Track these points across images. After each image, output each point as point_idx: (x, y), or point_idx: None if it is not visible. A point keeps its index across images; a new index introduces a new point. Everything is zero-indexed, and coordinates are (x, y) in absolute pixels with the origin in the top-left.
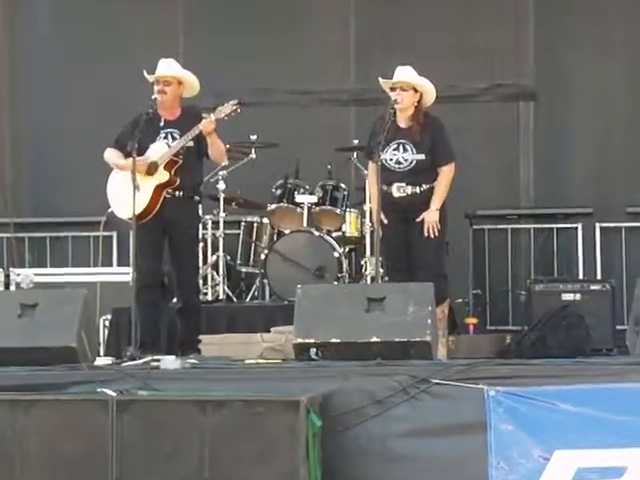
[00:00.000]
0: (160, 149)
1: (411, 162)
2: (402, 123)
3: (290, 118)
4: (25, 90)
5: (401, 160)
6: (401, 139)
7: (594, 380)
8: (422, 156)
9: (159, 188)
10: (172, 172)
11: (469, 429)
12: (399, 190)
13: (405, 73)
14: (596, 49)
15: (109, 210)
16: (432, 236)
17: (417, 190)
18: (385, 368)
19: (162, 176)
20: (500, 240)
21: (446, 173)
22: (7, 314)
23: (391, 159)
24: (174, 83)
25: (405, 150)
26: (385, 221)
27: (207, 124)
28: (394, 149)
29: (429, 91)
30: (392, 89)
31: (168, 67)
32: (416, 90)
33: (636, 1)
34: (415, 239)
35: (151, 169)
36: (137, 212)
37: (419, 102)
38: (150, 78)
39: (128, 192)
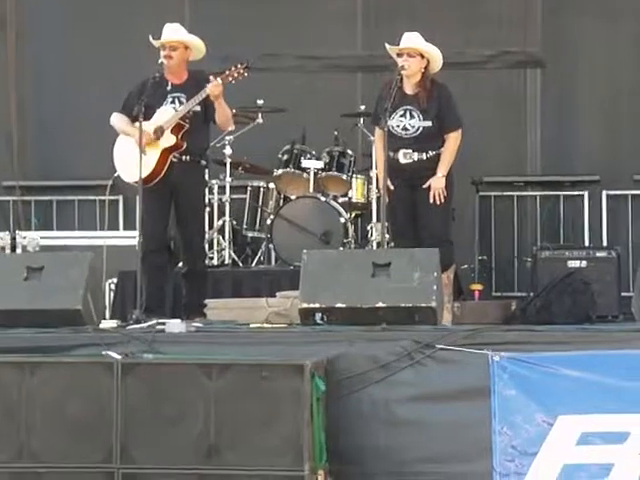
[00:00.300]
0: (167, 113)
1: (418, 129)
2: (409, 90)
3: (297, 84)
4: (32, 53)
5: (408, 126)
6: (408, 105)
7: (599, 346)
8: (429, 123)
9: (166, 152)
10: (179, 136)
11: (473, 394)
12: (405, 156)
13: (412, 39)
14: (604, 17)
15: (115, 174)
16: (438, 202)
17: (424, 156)
18: (390, 333)
19: (169, 140)
20: (506, 207)
21: (453, 140)
22: (13, 277)
23: (398, 125)
24: (180, 47)
25: (412, 117)
26: (391, 187)
27: (214, 87)
28: (401, 115)
29: (436, 57)
30: (399, 55)
31: (174, 31)
32: (423, 56)
33: None
34: (421, 205)
35: (158, 133)
36: (143, 176)
37: (426, 68)
38: (156, 43)
39: (135, 156)
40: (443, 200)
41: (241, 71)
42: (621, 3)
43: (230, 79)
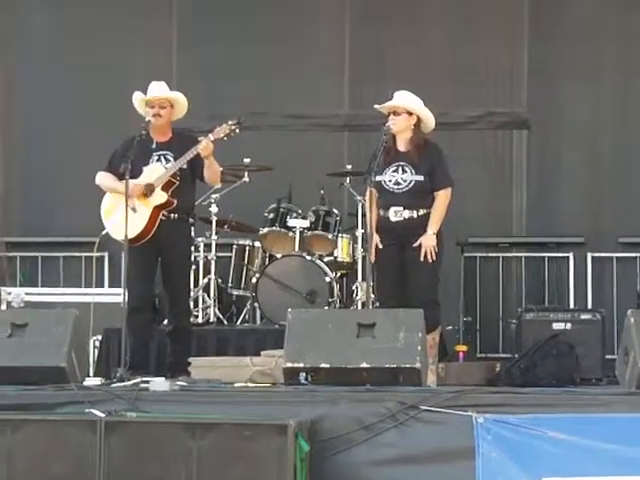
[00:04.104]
0: (156, 171)
1: (410, 182)
2: (401, 147)
3: (284, 142)
4: (18, 107)
5: (400, 181)
6: (400, 161)
7: (583, 409)
8: (421, 177)
9: (156, 209)
10: (169, 193)
11: (457, 456)
12: (396, 214)
13: (399, 98)
14: (589, 76)
15: (104, 232)
16: (430, 260)
17: (414, 214)
18: (374, 394)
19: (160, 197)
20: (492, 268)
21: (443, 198)
22: None
23: (390, 180)
24: (168, 106)
25: (404, 171)
26: (380, 246)
27: (206, 145)
28: (393, 171)
29: (425, 115)
30: (388, 114)
31: (162, 89)
32: (410, 113)
33: (628, 26)
34: (410, 265)
35: (148, 190)
36: (135, 234)
37: (417, 126)
38: (139, 101)
39: (124, 214)
40: (434, 258)
41: (233, 127)
42: (605, 62)
43: (222, 135)
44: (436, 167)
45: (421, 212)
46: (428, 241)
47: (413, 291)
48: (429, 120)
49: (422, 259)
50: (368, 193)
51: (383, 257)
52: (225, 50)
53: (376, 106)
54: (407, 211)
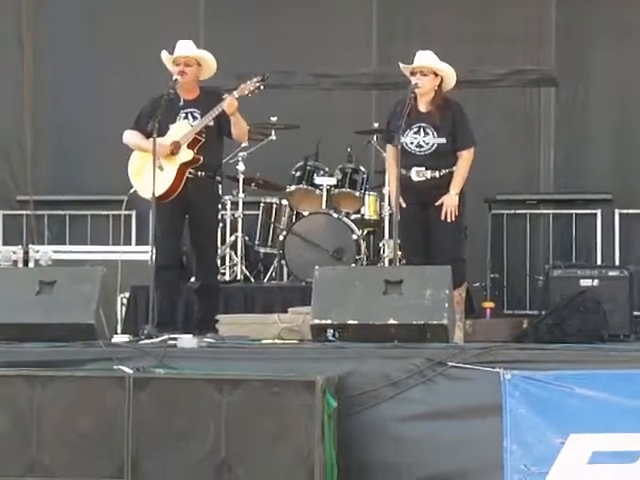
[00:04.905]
0: (182, 128)
1: (432, 145)
2: (422, 107)
3: (311, 101)
4: (47, 68)
5: (422, 143)
6: (422, 123)
7: (611, 365)
8: (443, 140)
9: (183, 167)
10: (195, 150)
11: (485, 412)
12: (418, 174)
13: (425, 57)
14: (617, 35)
15: (131, 190)
16: (450, 220)
17: (436, 174)
18: (402, 350)
19: (186, 155)
20: (519, 225)
21: (466, 158)
22: (26, 291)
23: (412, 142)
24: (194, 64)
25: (426, 134)
26: (404, 205)
27: (231, 102)
28: (415, 132)
29: (449, 75)
30: (412, 74)
31: (188, 48)
32: (436, 74)
33: None
34: (433, 223)
35: (174, 148)
36: (161, 191)
37: (439, 87)
38: (168, 59)
39: (152, 172)
40: (455, 218)
41: (257, 84)
42: (634, 22)
43: (246, 92)
44: (458, 127)
45: (443, 172)
46: (450, 201)
47: (437, 249)
48: (452, 81)
49: (443, 218)
50: (391, 152)
51: (406, 216)
52: (252, 12)
53: (402, 65)
54: (429, 171)
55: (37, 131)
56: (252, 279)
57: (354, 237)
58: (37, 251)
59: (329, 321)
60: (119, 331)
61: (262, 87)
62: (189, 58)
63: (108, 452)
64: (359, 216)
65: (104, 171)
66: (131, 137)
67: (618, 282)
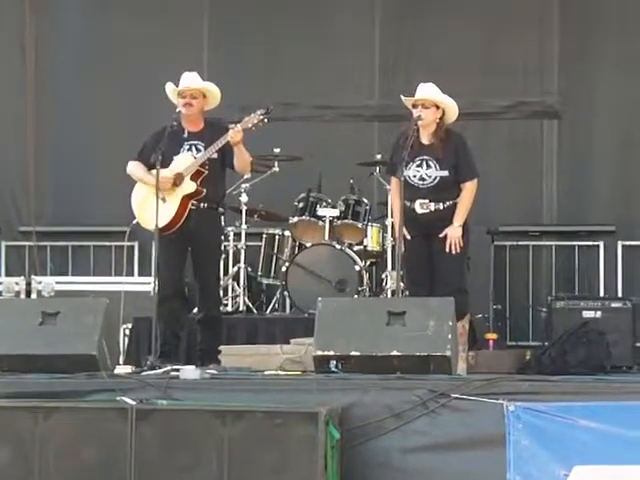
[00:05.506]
0: (185, 160)
1: (435, 178)
2: (425, 139)
3: (314, 132)
4: (50, 99)
5: (425, 177)
6: (424, 155)
7: (614, 397)
8: (446, 172)
9: (186, 199)
10: (198, 182)
11: (488, 444)
12: (422, 206)
13: (426, 90)
14: (620, 66)
15: (134, 222)
16: (454, 252)
17: (440, 206)
18: (405, 382)
19: (189, 187)
20: (521, 257)
21: (469, 189)
22: (28, 322)
23: (414, 175)
24: (200, 96)
25: (429, 167)
26: (409, 237)
27: (235, 134)
28: (417, 165)
29: (451, 108)
30: (414, 106)
31: (194, 80)
32: (438, 107)
33: None
34: (437, 254)
35: (177, 180)
36: (164, 223)
37: (441, 119)
38: (172, 91)
39: (154, 203)
40: (459, 249)
41: (261, 117)
42: (633, 49)
43: (250, 125)
44: (461, 159)
45: (447, 204)
46: (454, 232)
47: (441, 281)
48: (454, 113)
49: (447, 250)
50: (394, 184)
51: (410, 247)
52: (256, 44)
53: (403, 98)
54: (433, 204)
55: (40, 162)
56: (255, 310)
57: (357, 268)
58: (40, 282)
59: (332, 352)
60: (122, 362)
61: (266, 120)
62: (195, 90)
63: None
64: (362, 247)
65: (107, 202)
66: (135, 169)
67: (621, 314)
